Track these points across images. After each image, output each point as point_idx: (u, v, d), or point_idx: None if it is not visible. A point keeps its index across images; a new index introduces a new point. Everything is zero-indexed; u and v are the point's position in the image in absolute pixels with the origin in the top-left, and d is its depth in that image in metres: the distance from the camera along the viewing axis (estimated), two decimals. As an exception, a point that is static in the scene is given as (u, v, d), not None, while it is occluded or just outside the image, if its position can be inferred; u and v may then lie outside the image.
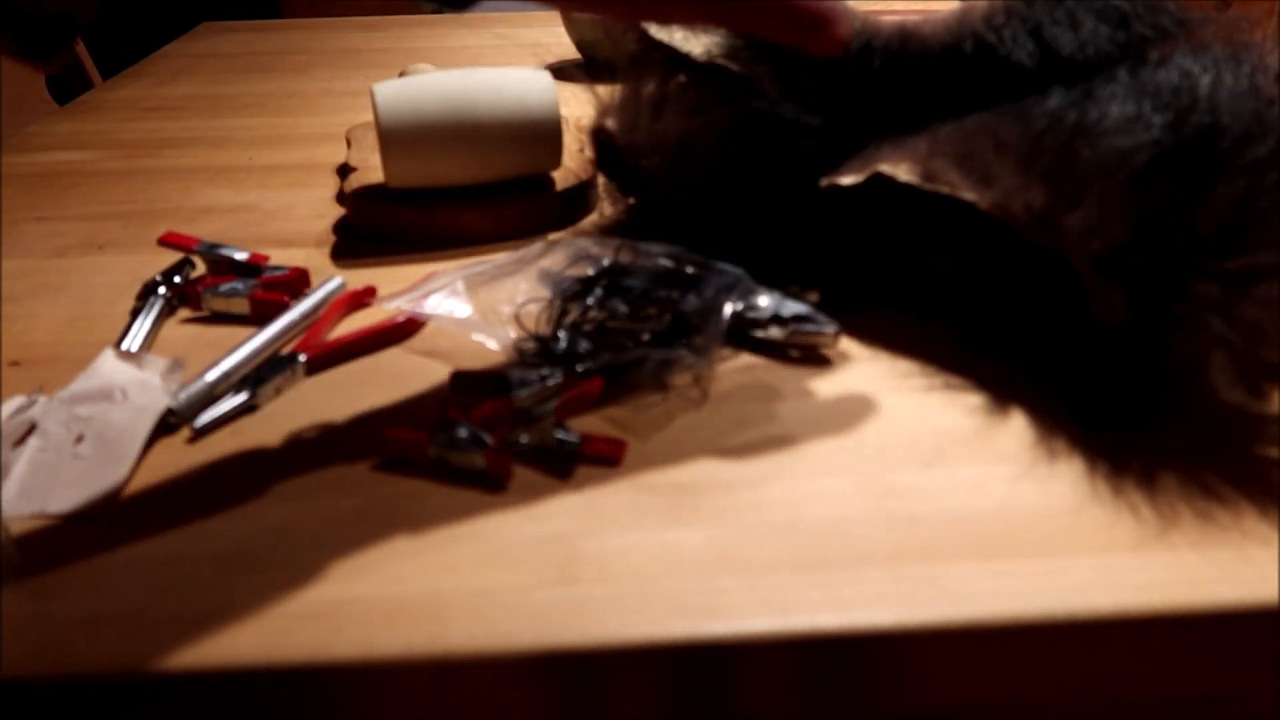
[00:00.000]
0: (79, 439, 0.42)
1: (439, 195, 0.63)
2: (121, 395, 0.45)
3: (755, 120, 0.53)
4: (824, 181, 0.50)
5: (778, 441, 0.42)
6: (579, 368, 0.45)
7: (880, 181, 0.48)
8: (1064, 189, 0.42)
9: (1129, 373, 0.42)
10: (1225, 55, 0.47)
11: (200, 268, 0.58)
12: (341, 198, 0.69)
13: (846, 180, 0.48)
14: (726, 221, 0.52)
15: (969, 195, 0.44)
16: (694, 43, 0.57)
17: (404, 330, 0.51)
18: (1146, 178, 0.42)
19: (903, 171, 0.46)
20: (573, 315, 0.49)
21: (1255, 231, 0.40)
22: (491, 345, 0.47)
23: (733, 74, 0.54)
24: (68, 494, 0.39)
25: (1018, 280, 0.47)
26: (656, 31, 0.58)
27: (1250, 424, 0.43)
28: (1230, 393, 0.39)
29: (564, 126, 0.64)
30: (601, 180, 0.64)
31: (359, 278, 0.57)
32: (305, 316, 0.52)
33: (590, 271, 0.52)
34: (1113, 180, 0.42)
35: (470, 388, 0.45)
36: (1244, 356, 0.39)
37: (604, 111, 0.60)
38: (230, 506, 0.39)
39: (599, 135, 0.60)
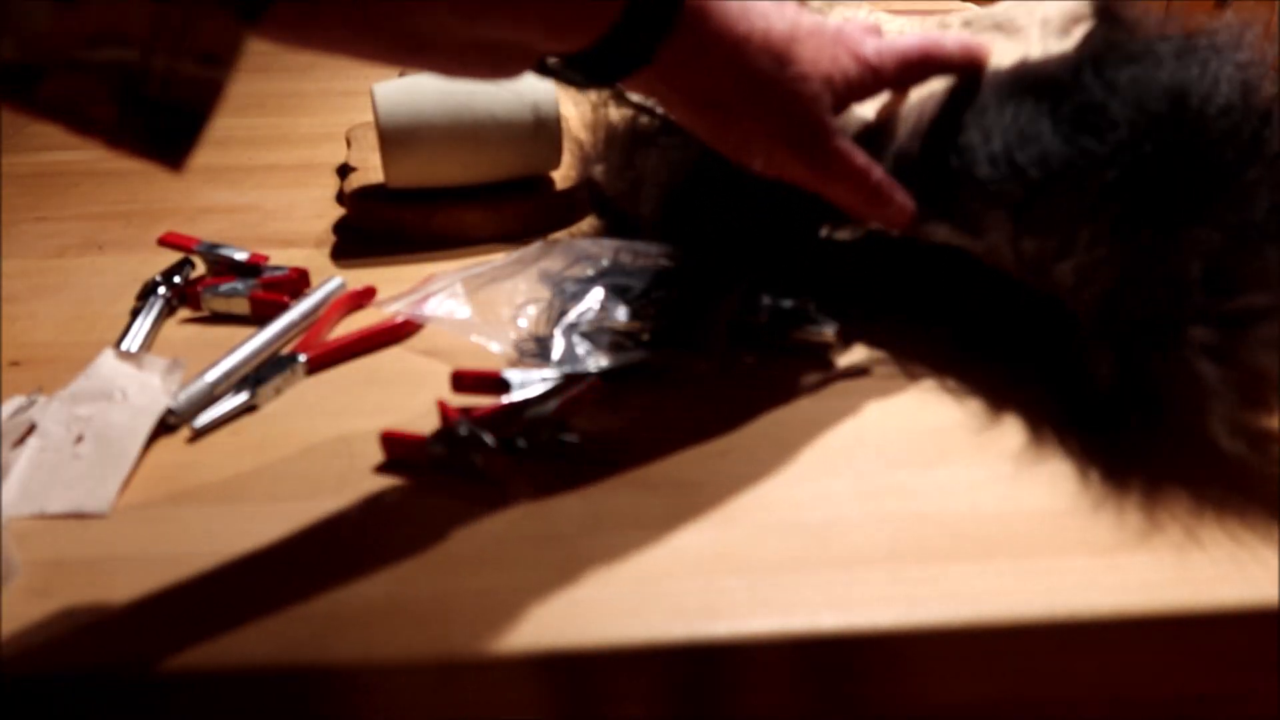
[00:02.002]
0: (79, 439, 0.42)
1: (439, 195, 0.63)
2: (121, 395, 0.45)
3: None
4: (823, 233, 0.49)
5: (778, 441, 0.42)
6: (579, 368, 0.45)
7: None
8: (1052, 237, 0.41)
9: (1125, 377, 0.42)
10: (1215, 55, 0.43)
11: (200, 268, 0.58)
12: (341, 198, 0.69)
13: (843, 235, 0.48)
14: (722, 249, 0.52)
15: (961, 245, 0.44)
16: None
17: (404, 330, 0.51)
18: (1135, 216, 0.40)
19: (896, 229, 0.46)
20: (572, 316, 0.49)
21: (1248, 269, 0.38)
22: (491, 346, 0.47)
23: None
24: (68, 494, 0.39)
25: (1016, 288, 0.46)
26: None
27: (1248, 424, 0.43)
28: (1230, 443, 0.38)
29: (564, 126, 0.64)
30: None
31: (359, 278, 0.57)
32: (305, 316, 0.52)
33: (590, 272, 0.52)
34: (1099, 224, 0.40)
35: (470, 388, 0.45)
36: (1246, 402, 0.38)
37: (586, 160, 0.60)
38: (230, 506, 0.39)
39: (589, 185, 0.61)
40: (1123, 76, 0.43)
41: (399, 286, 0.52)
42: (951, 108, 0.47)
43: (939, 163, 0.46)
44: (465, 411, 0.42)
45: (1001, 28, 0.51)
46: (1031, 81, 0.46)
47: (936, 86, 0.48)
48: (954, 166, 0.45)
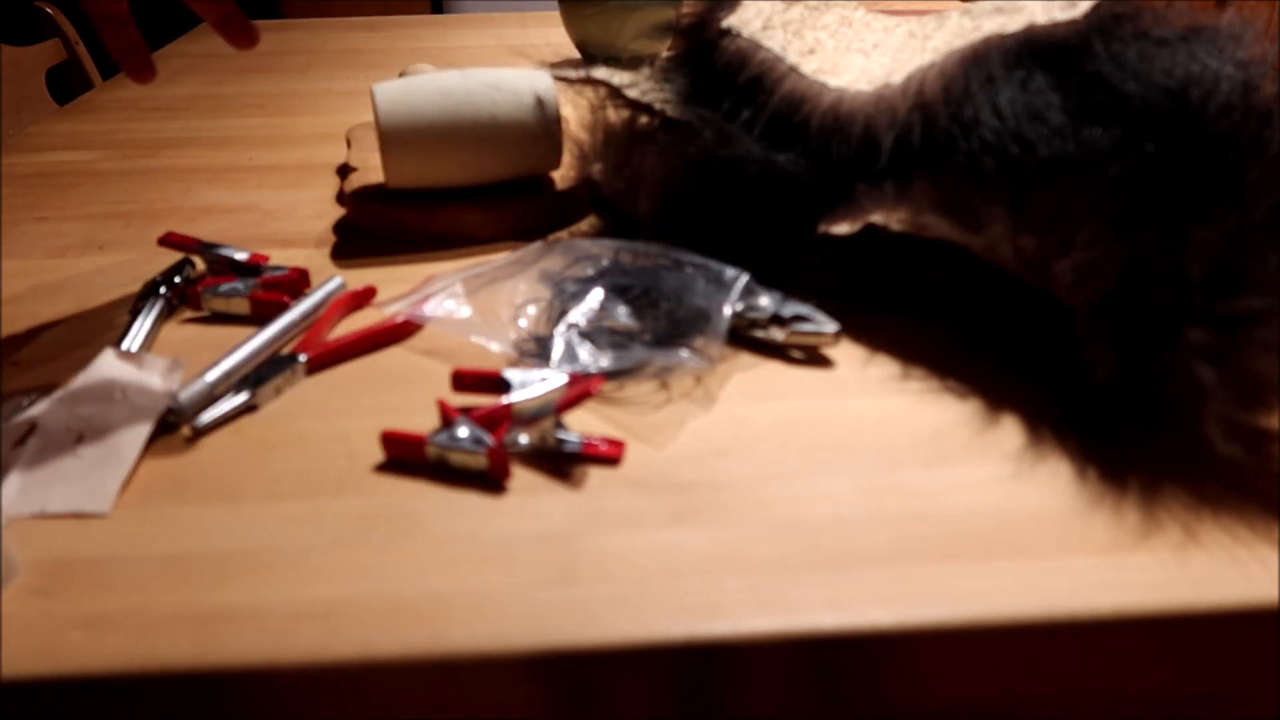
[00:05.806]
0: (79, 439, 0.42)
1: (439, 195, 0.63)
2: (121, 395, 0.45)
3: (731, 158, 0.53)
4: (820, 228, 0.49)
5: (778, 441, 0.42)
6: (579, 368, 0.45)
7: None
8: (1052, 234, 0.41)
9: (1124, 377, 0.42)
10: (1218, 53, 0.43)
11: (200, 268, 0.58)
12: (341, 198, 0.69)
13: (840, 229, 0.48)
14: (720, 245, 0.52)
15: (959, 240, 0.44)
16: (652, 95, 0.57)
17: (404, 330, 0.51)
18: (1135, 215, 0.40)
19: (895, 222, 0.46)
20: (572, 316, 0.49)
21: (1247, 271, 0.38)
22: (491, 345, 0.47)
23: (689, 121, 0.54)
24: (68, 494, 0.39)
25: (1015, 287, 0.46)
26: (601, 74, 0.59)
27: (1246, 423, 0.43)
28: (1226, 447, 0.38)
29: (564, 126, 0.64)
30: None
31: (359, 278, 0.57)
32: (305, 316, 0.52)
33: (590, 272, 0.52)
34: (1100, 222, 0.40)
35: (470, 388, 0.45)
36: (1242, 405, 0.38)
37: (585, 160, 0.60)
38: (230, 506, 0.39)
39: (588, 183, 0.61)
40: (1130, 51, 0.43)
41: (399, 286, 0.52)
42: (956, 77, 0.46)
43: (943, 141, 0.45)
44: (465, 411, 0.42)
45: (1003, 9, 0.51)
46: (1040, 49, 0.46)
47: (937, 54, 0.48)
48: (959, 146, 0.45)
